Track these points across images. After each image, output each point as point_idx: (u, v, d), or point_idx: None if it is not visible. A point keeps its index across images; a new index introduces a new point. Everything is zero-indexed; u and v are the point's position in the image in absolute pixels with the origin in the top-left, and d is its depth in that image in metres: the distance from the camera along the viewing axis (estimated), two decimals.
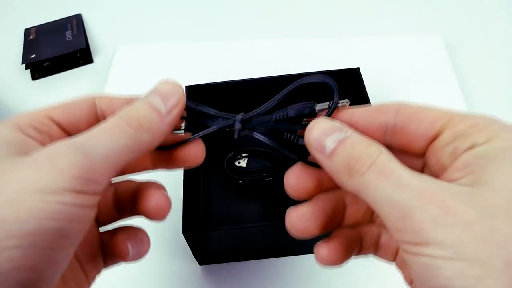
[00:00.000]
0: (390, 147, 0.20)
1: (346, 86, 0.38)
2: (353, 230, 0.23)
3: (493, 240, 0.15)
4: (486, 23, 0.54)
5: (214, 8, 0.59)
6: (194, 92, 0.37)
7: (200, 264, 0.37)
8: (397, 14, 0.56)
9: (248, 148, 0.39)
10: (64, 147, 0.18)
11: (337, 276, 0.36)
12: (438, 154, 0.19)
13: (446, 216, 0.15)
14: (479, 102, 0.46)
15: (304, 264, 0.37)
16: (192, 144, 0.23)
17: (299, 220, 0.22)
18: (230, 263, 0.37)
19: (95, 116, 0.23)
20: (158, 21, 0.58)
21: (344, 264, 0.22)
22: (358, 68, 0.39)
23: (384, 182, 0.17)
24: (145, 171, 0.25)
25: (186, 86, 0.36)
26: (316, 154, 0.20)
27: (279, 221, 0.31)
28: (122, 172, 0.24)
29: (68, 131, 0.22)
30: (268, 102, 0.22)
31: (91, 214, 0.18)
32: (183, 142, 0.23)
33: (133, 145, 0.20)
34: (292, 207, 0.22)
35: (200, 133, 0.22)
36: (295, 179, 0.22)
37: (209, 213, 0.38)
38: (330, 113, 0.21)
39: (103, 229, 0.25)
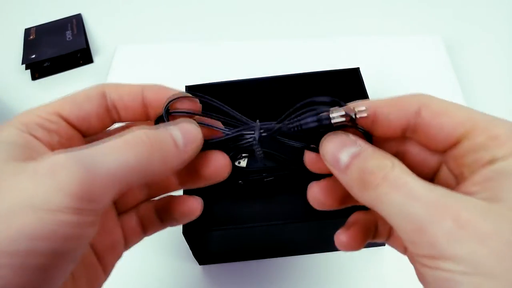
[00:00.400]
0: (410, 141, 0.21)
1: (346, 86, 0.38)
2: (368, 215, 0.23)
3: (509, 255, 0.15)
4: (486, 23, 0.54)
5: (215, 9, 0.59)
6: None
7: (200, 264, 0.37)
8: (397, 14, 0.56)
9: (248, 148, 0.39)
10: (67, 159, 0.16)
11: (338, 276, 0.36)
12: (457, 161, 0.19)
13: (462, 230, 0.15)
14: (479, 101, 0.46)
15: (304, 264, 0.37)
16: (218, 159, 0.23)
17: (320, 192, 0.22)
18: (230, 263, 0.37)
19: (105, 108, 0.22)
20: (158, 21, 0.58)
21: (361, 248, 0.22)
22: (358, 68, 0.39)
23: (398, 195, 0.17)
24: (173, 191, 0.25)
25: (186, 86, 0.36)
26: (331, 168, 0.20)
27: (279, 221, 0.31)
28: (151, 195, 0.25)
29: (78, 127, 0.21)
30: (278, 120, 0.21)
31: (91, 232, 0.17)
32: (208, 148, 0.23)
33: (142, 167, 0.18)
34: (314, 181, 0.22)
35: (218, 139, 0.22)
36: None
37: (209, 213, 0.38)
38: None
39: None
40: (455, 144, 0.19)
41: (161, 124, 0.21)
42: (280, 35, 0.54)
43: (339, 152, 0.19)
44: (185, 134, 0.21)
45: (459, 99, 0.44)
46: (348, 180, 0.19)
